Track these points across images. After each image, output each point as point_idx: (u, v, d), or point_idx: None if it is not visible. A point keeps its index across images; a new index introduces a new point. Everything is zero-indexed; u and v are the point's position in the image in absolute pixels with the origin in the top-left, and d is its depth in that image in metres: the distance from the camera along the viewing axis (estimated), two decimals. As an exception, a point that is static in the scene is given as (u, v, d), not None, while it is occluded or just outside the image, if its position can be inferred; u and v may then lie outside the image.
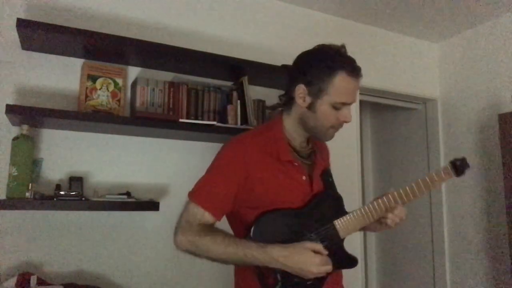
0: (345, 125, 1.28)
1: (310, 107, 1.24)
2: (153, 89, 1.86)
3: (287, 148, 1.27)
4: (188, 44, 1.98)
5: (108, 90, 1.83)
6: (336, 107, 1.22)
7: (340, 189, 1.37)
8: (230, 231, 1.28)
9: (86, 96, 1.78)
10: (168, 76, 2.01)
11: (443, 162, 2.91)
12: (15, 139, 1.59)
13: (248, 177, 1.19)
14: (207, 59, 1.92)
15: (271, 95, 2.23)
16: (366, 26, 2.76)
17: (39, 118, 1.58)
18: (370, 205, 1.27)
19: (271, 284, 1.16)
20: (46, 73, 1.79)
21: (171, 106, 1.88)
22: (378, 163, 3.66)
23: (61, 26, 1.62)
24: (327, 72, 1.20)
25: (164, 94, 1.88)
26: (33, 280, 1.53)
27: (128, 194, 1.79)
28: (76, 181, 1.72)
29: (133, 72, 1.96)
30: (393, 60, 2.84)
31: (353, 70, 1.21)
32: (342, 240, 1.27)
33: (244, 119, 1.97)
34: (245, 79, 2.01)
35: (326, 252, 1.15)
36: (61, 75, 1.81)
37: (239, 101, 2.00)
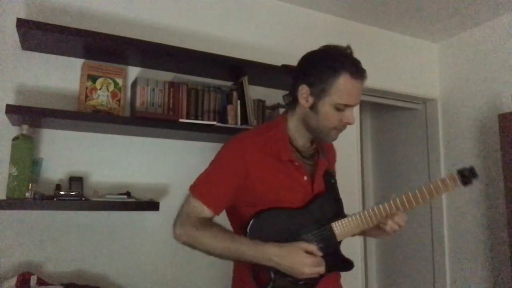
0: (345, 125, 1.28)
1: (313, 107, 1.23)
2: (153, 89, 1.86)
3: (289, 147, 1.27)
4: (188, 44, 1.98)
5: (108, 90, 1.83)
6: (338, 108, 1.21)
7: (340, 189, 1.36)
8: (230, 227, 1.29)
9: (86, 96, 1.78)
10: (168, 76, 2.01)
11: (443, 162, 2.92)
12: (15, 139, 1.59)
13: (248, 176, 1.20)
14: (207, 59, 1.92)
15: (271, 95, 2.23)
16: (366, 26, 2.76)
17: (39, 118, 1.58)
18: (370, 210, 1.26)
19: (264, 282, 1.16)
20: (46, 73, 1.79)
21: (171, 106, 1.88)
22: (378, 163, 3.66)
23: (61, 26, 1.62)
24: (330, 73, 1.20)
25: (164, 94, 1.88)
26: (33, 280, 1.53)
27: (128, 194, 1.79)
28: (76, 181, 1.73)
29: (133, 72, 1.96)
30: (393, 60, 2.84)
31: (357, 72, 1.20)
32: (339, 243, 1.26)
33: (244, 119, 1.97)
34: (245, 79, 2.01)
35: (320, 254, 1.15)
36: (61, 75, 1.81)
37: (239, 101, 2.00)
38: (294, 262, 1.11)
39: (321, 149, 1.36)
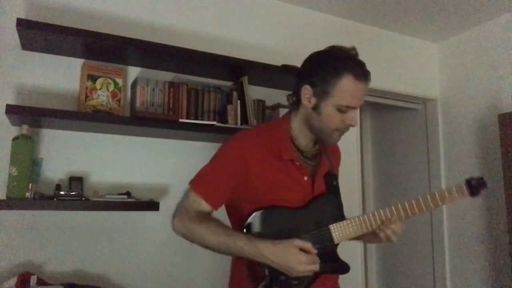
0: (346, 125, 1.27)
1: (315, 108, 1.23)
2: (153, 89, 1.86)
3: (291, 147, 1.26)
4: (188, 44, 1.98)
5: (108, 90, 1.83)
6: (341, 109, 1.20)
7: (340, 189, 1.36)
8: (228, 223, 1.29)
9: (86, 96, 1.78)
10: (168, 76, 2.01)
11: (443, 162, 2.92)
12: (15, 139, 1.59)
13: (247, 174, 1.20)
14: (207, 59, 1.92)
15: (271, 95, 2.23)
16: (366, 26, 2.76)
17: (39, 118, 1.58)
18: (370, 214, 1.25)
19: (259, 279, 1.17)
20: (46, 73, 1.79)
21: (171, 106, 1.88)
22: (378, 163, 3.66)
23: (61, 26, 1.62)
24: (333, 74, 1.19)
25: (164, 94, 1.88)
26: (33, 280, 1.53)
27: (128, 194, 1.79)
28: (76, 181, 1.73)
29: (133, 72, 1.96)
30: (393, 60, 2.84)
31: (360, 73, 1.20)
32: (336, 245, 1.25)
33: (244, 119, 1.97)
34: (245, 79, 2.01)
35: (314, 251, 1.14)
36: (61, 75, 1.81)
37: (239, 101, 2.00)
38: (288, 259, 1.11)
39: (324, 151, 1.36)
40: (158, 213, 1.79)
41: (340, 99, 1.19)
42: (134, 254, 1.87)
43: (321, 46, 1.31)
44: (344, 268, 1.26)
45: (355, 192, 2.58)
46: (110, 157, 1.87)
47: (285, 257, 1.11)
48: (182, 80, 1.99)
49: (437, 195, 1.25)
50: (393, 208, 1.25)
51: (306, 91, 1.24)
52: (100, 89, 1.81)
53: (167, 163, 1.99)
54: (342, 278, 1.36)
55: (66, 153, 1.79)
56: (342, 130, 1.25)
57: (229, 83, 2.11)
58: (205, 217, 1.19)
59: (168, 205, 1.85)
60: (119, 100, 1.85)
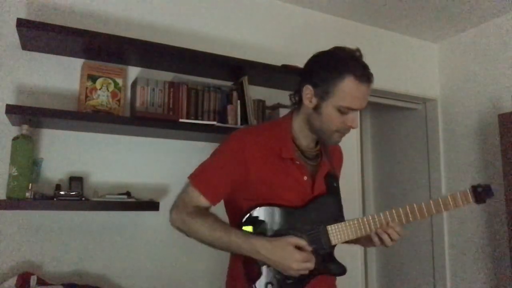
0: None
1: (316, 108, 1.23)
2: (153, 89, 1.86)
3: (291, 146, 1.26)
4: (188, 44, 1.97)
5: (108, 90, 1.83)
6: (341, 111, 1.20)
7: (340, 189, 1.36)
8: (226, 219, 1.29)
9: (86, 96, 1.78)
10: (168, 76, 2.01)
11: (443, 162, 2.92)
12: (15, 139, 1.59)
13: (247, 171, 1.20)
14: (207, 59, 1.92)
15: (271, 95, 2.23)
16: (366, 26, 2.76)
17: (39, 118, 1.58)
18: (370, 217, 1.25)
19: (254, 276, 1.16)
20: (46, 73, 1.79)
21: (171, 106, 1.88)
22: (378, 163, 3.66)
23: (61, 26, 1.62)
24: (334, 75, 1.19)
25: (164, 94, 1.88)
26: (33, 280, 1.53)
27: (128, 194, 1.79)
28: (76, 181, 1.73)
29: (133, 72, 1.96)
30: (393, 60, 2.84)
31: (362, 75, 1.19)
32: (333, 246, 1.25)
33: (244, 119, 1.97)
34: (245, 79, 2.01)
35: (309, 249, 1.14)
36: (61, 75, 1.81)
37: (239, 101, 2.00)
38: (282, 256, 1.11)
39: (325, 151, 1.35)
40: (158, 213, 1.79)
41: (340, 100, 1.19)
42: (134, 254, 1.87)
43: (321, 46, 1.31)
44: (340, 270, 1.25)
45: (355, 192, 2.58)
46: (110, 157, 1.87)
47: (280, 254, 1.11)
48: (182, 80, 1.99)
49: (440, 201, 1.24)
50: (394, 212, 1.25)
51: (308, 91, 1.24)
52: (100, 89, 1.81)
53: (167, 163, 1.99)
54: (342, 278, 1.36)
55: (66, 153, 1.78)
56: (343, 131, 1.25)
57: (229, 83, 2.11)
58: (203, 212, 1.20)
59: (168, 205, 1.84)
60: (119, 100, 1.85)
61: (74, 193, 1.62)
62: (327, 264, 1.24)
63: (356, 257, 2.50)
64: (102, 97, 1.81)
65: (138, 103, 1.82)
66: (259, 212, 1.19)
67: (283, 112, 1.99)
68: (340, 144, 1.36)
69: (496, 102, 2.61)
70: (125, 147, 1.91)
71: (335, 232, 1.23)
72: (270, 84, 2.23)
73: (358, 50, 1.24)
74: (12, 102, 1.69)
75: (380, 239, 1.24)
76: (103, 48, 1.74)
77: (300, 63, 1.32)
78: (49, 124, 1.69)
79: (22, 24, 1.54)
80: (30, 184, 1.58)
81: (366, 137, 3.77)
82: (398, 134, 3.39)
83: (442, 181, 2.91)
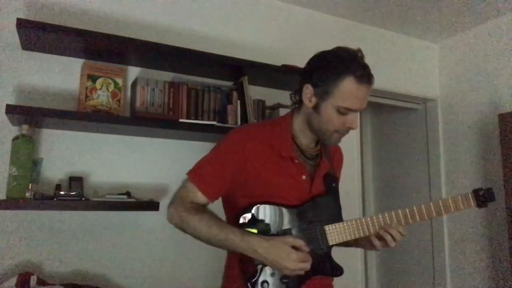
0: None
1: (316, 108, 1.23)
2: (153, 89, 1.86)
3: (291, 145, 1.26)
4: (188, 44, 1.97)
5: (108, 90, 1.83)
6: (341, 111, 1.19)
7: (340, 189, 1.36)
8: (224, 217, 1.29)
9: (86, 96, 1.78)
10: (168, 76, 2.01)
11: (443, 162, 2.92)
12: (15, 139, 1.59)
13: (245, 168, 1.20)
14: (207, 59, 1.92)
15: (271, 95, 2.23)
16: (366, 26, 2.76)
17: (39, 118, 1.58)
18: (368, 218, 1.24)
19: (250, 275, 1.16)
20: (46, 73, 1.79)
21: (171, 106, 1.88)
22: (378, 163, 3.66)
23: (61, 26, 1.62)
24: (334, 75, 1.18)
25: (164, 94, 1.88)
26: (33, 280, 1.53)
27: (128, 194, 1.79)
28: (76, 181, 1.73)
29: (133, 72, 1.96)
30: (393, 60, 2.84)
31: (363, 76, 1.18)
32: (330, 247, 1.24)
33: (244, 119, 1.97)
34: (245, 79, 2.01)
35: (307, 249, 1.14)
36: (61, 75, 1.81)
37: (239, 101, 2.00)
38: (279, 256, 1.10)
39: (325, 152, 1.35)
40: (158, 213, 1.79)
41: (340, 100, 1.18)
42: (134, 254, 1.87)
43: (321, 46, 1.31)
44: (337, 271, 1.25)
45: (355, 192, 2.58)
46: (110, 157, 1.87)
47: (277, 254, 1.10)
48: (182, 80, 1.99)
49: (441, 203, 1.23)
50: (393, 214, 1.24)
51: (307, 91, 1.23)
52: (100, 89, 1.81)
53: (167, 163, 1.99)
54: (342, 278, 1.36)
55: (66, 153, 1.79)
56: (342, 132, 1.24)
57: (229, 83, 2.11)
58: (200, 209, 1.19)
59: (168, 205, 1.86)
60: (119, 100, 1.85)
61: (74, 193, 1.62)
62: (324, 264, 1.23)
63: (356, 257, 2.50)
64: (102, 97, 1.81)
65: (138, 103, 1.82)
66: (257, 210, 1.19)
67: (283, 112, 1.99)
68: (340, 144, 1.36)
69: (496, 102, 2.61)
70: (125, 147, 1.91)
71: (333, 232, 1.22)
72: (270, 84, 2.23)
73: (359, 50, 1.23)
74: (12, 102, 1.69)
75: (383, 240, 1.23)
76: (103, 48, 1.74)
77: (300, 63, 1.32)
78: (49, 124, 1.69)
79: (22, 24, 1.54)
80: (30, 184, 1.58)
81: (366, 137, 3.77)
82: (398, 134, 3.39)
83: (442, 181, 2.91)
